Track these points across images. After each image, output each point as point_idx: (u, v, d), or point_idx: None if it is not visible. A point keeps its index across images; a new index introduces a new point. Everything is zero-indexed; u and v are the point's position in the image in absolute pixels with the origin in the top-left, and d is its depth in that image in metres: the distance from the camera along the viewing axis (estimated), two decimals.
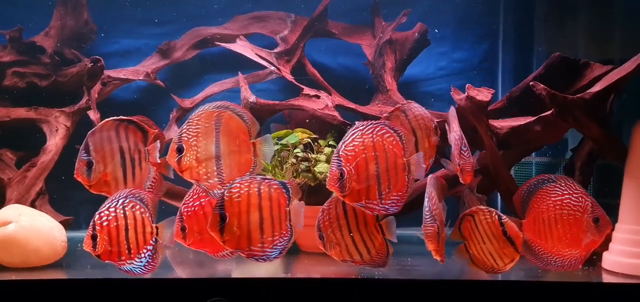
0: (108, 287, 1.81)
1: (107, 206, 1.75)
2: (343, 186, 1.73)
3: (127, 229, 1.74)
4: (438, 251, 1.83)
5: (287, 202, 1.79)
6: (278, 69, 2.76)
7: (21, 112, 2.57)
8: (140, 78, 2.81)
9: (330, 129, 2.60)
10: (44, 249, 2.05)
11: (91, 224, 1.73)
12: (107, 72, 2.70)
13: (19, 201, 2.35)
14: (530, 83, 2.28)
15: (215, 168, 1.81)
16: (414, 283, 1.89)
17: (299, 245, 2.43)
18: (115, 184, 1.85)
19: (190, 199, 1.86)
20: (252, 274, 2.07)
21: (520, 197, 1.98)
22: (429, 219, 1.82)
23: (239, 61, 2.77)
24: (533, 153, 2.77)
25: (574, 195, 1.90)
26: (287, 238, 1.80)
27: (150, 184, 1.92)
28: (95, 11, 2.81)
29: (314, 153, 2.43)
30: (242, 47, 2.77)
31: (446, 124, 2.07)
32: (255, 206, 1.74)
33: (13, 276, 1.90)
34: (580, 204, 1.89)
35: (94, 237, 1.72)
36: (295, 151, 2.41)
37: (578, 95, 2.24)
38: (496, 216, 1.86)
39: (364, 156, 1.74)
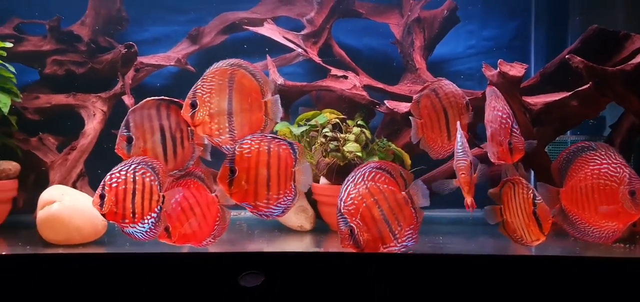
0: (146, 262, 1.86)
1: (119, 168, 1.79)
2: (357, 241, 1.74)
3: (134, 194, 1.78)
4: (470, 189, 1.81)
5: (294, 163, 1.81)
6: (305, 51, 2.77)
7: (61, 99, 2.66)
8: (172, 64, 2.86)
9: (358, 109, 2.60)
10: (86, 227, 2.13)
11: (101, 183, 1.78)
12: (139, 59, 2.75)
13: (61, 183, 2.45)
14: (567, 56, 2.21)
15: (227, 125, 1.84)
16: (448, 258, 1.87)
17: (329, 224, 2.45)
18: (155, 159, 1.87)
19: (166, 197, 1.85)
20: (284, 249, 2.10)
21: (558, 164, 1.93)
22: (461, 153, 1.82)
23: (267, 44, 2.79)
24: (568, 132, 2.69)
25: (612, 165, 1.83)
26: (291, 198, 1.82)
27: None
28: None
29: (342, 133, 2.43)
30: (269, 31, 2.78)
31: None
32: (264, 163, 1.78)
33: (59, 251, 1.99)
34: (617, 174, 1.82)
35: (102, 197, 1.77)
36: (324, 131, 2.42)
37: (618, 67, 2.16)
38: (531, 194, 1.83)
39: (364, 204, 1.75)
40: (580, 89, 2.23)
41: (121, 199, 1.77)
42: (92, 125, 2.57)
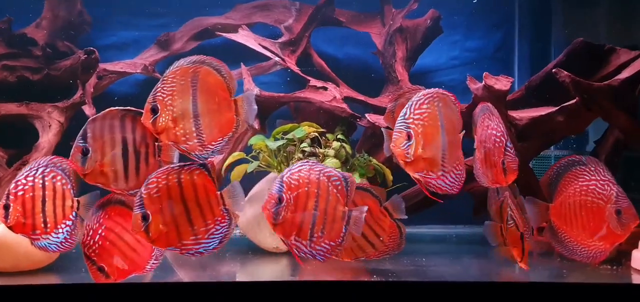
0: (104, 292, 1.69)
1: (25, 174, 1.61)
2: (277, 213, 1.61)
3: (44, 201, 1.60)
4: (406, 165, 1.66)
5: (215, 186, 1.65)
6: (283, 59, 2.65)
7: (12, 108, 2.46)
8: (138, 71, 2.69)
9: (338, 122, 2.49)
10: (36, 252, 1.90)
11: (6, 192, 1.60)
12: (102, 66, 2.58)
13: None
14: (553, 70, 2.17)
15: (194, 128, 1.66)
16: (428, 285, 1.76)
17: None
18: (114, 176, 1.70)
19: (88, 237, 1.65)
20: (258, 277, 1.96)
21: (548, 179, 1.85)
22: (399, 123, 1.66)
23: (241, 52, 2.65)
24: (552, 147, 2.65)
25: (601, 182, 1.77)
26: (225, 225, 1.64)
27: None
28: (89, 1, 2.70)
29: (321, 147, 2.31)
30: (244, 38, 2.66)
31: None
32: (178, 198, 1.60)
33: (2, 282, 1.78)
34: (604, 192, 1.76)
35: (6, 207, 1.58)
36: (302, 145, 2.30)
37: (604, 82, 2.12)
38: (512, 222, 1.76)
39: (306, 188, 1.64)
40: (566, 104, 2.20)
41: (29, 209, 1.59)
42: (47, 138, 2.37)
